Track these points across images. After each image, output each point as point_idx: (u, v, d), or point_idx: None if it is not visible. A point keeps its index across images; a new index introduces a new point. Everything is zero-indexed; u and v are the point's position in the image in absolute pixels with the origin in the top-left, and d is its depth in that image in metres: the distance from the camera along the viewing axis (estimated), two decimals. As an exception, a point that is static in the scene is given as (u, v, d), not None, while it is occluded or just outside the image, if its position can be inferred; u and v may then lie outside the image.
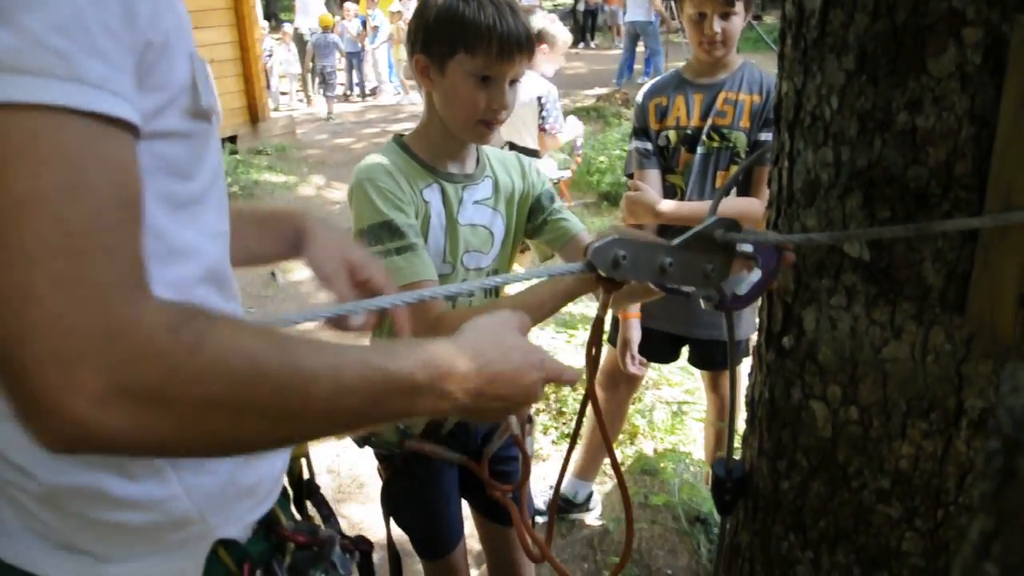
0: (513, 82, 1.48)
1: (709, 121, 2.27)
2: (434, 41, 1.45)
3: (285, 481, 1.02)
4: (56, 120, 0.55)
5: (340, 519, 1.14)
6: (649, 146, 2.38)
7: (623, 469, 3.10)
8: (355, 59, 13.46)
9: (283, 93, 13.13)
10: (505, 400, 0.84)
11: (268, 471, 0.93)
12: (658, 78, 2.53)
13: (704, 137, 2.28)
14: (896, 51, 0.94)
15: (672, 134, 2.33)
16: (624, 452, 3.21)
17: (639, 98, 2.45)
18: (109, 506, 0.78)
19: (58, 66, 0.55)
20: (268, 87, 11.84)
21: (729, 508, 1.33)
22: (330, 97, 12.15)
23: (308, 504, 1.11)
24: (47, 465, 0.76)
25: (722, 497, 1.32)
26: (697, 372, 3.11)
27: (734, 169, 2.26)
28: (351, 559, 1.01)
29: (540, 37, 3.95)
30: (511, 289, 1.65)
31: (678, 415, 3.41)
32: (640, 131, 2.41)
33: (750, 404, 1.32)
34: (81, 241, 0.54)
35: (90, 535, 0.79)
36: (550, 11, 15.59)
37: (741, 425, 1.44)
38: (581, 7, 18.74)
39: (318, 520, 1.09)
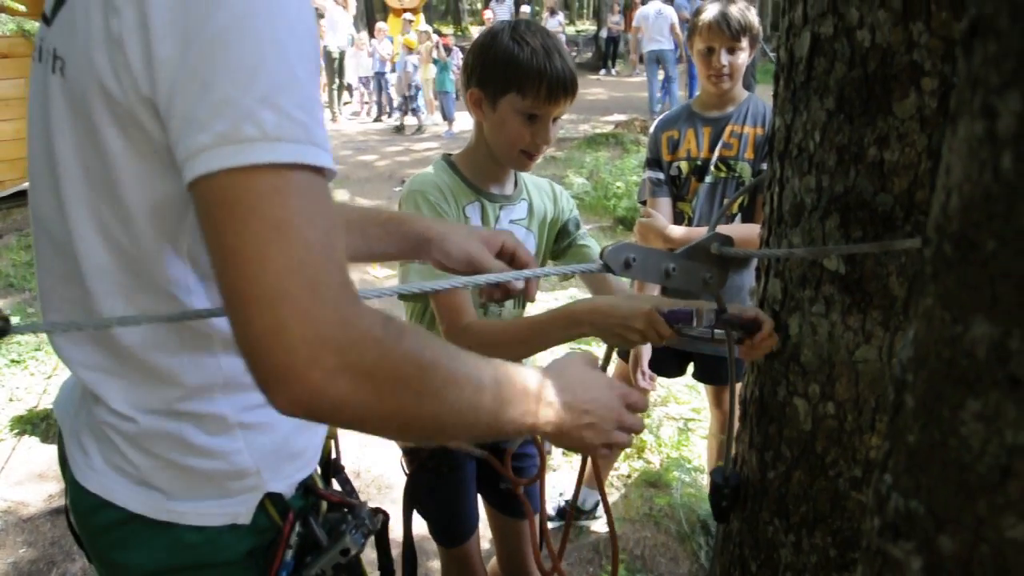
0: (556, 119, 1.64)
1: (717, 152, 2.44)
2: (489, 79, 1.61)
3: None
4: (297, 171, 0.72)
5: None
6: (661, 176, 2.55)
7: (630, 482, 3.25)
8: (382, 79, 13.66)
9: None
10: (594, 424, 0.99)
11: (313, 439, 1.08)
12: (669, 111, 2.70)
13: (712, 168, 2.45)
14: (868, 95, 1.10)
15: (684, 165, 2.51)
16: (631, 465, 3.34)
17: (652, 130, 2.64)
18: (187, 451, 0.94)
19: (302, 135, 0.73)
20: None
21: (725, 515, 1.46)
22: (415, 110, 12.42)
23: (333, 481, 1.24)
24: (145, 413, 0.93)
25: (719, 503, 1.45)
26: (703, 389, 3.25)
27: (740, 198, 2.43)
28: (377, 519, 1.14)
29: None
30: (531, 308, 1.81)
31: (684, 431, 3.54)
32: (653, 161, 2.58)
33: (743, 403, 1.47)
34: (319, 255, 0.71)
35: (166, 474, 0.94)
36: (572, 37, 15.86)
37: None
38: (604, 34, 19.04)
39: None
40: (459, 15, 28.65)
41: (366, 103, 14.52)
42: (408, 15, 13.76)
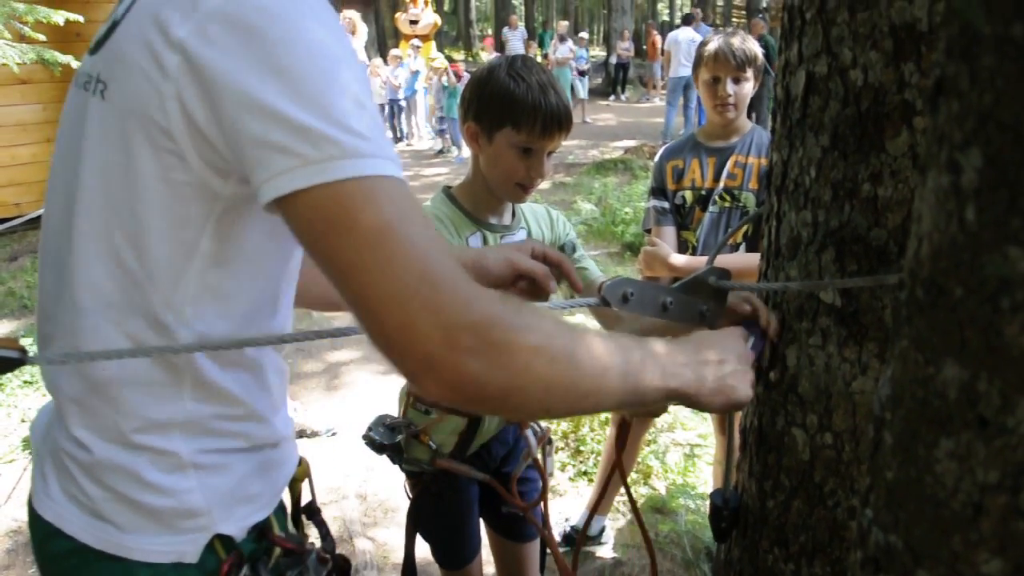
0: (550, 153, 1.68)
1: (721, 183, 2.47)
2: (485, 113, 1.66)
3: (287, 497, 1.19)
4: (383, 181, 0.78)
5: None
6: (666, 205, 2.58)
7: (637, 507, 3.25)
8: (395, 105, 13.71)
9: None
10: (736, 371, 1.05)
11: (272, 484, 1.10)
12: (674, 141, 2.74)
13: (716, 197, 2.48)
14: (861, 132, 1.13)
15: (688, 194, 2.54)
16: (637, 491, 3.34)
17: (656, 159, 2.67)
18: (139, 486, 0.95)
19: (376, 150, 0.79)
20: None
21: (725, 535, 1.47)
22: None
23: (305, 522, 1.27)
24: (101, 441, 0.95)
25: (718, 525, 1.47)
26: (709, 415, 3.26)
27: (744, 227, 2.46)
28: (324, 568, 1.13)
29: None
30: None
31: (690, 457, 3.54)
32: (658, 190, 2.62)
33: (743, 432, 1.49)
34: (425, 249, 0.76)
35: (118, 507, 0.95)
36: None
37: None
38: (613, 60, 19.19)
39: (315, 540, 1.23)
40: (470, 41, 28.94)
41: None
42: (416, 41, 13.87)
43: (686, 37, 12.28)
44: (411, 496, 1.91)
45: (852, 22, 1.12)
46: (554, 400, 0.86)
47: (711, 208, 2.49)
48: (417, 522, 1.90)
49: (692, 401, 1.01)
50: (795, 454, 1.32)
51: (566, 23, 18.75)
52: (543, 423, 2.46)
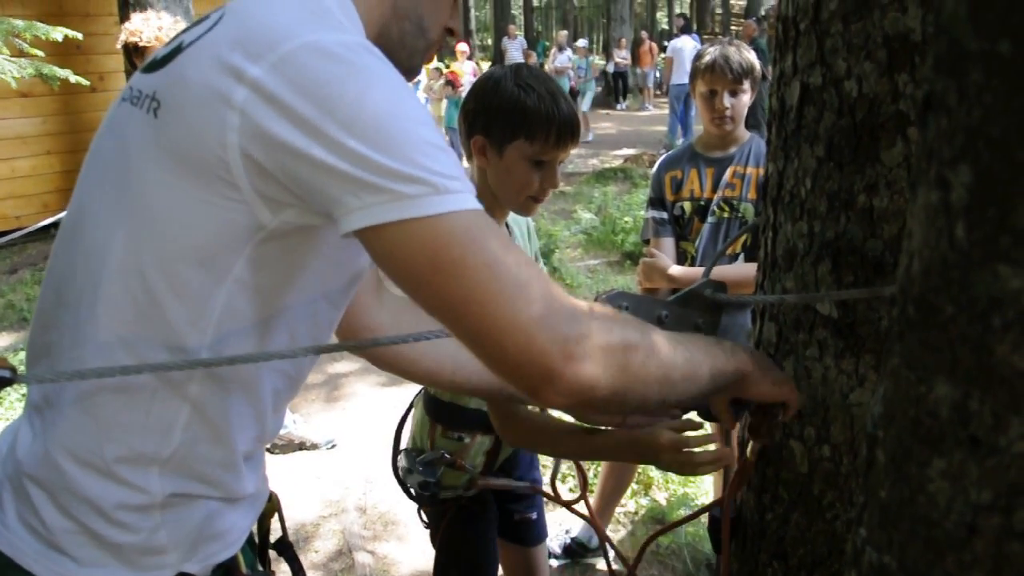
0: (561, 163, 1.65)
1: (719, 193, 2.47)
2: (495, 125, 1.58)
3: (255, 530, 1.17)
4: (473, 214, 0.83)
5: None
6: (665, 215, 2.58)
7: (636, 519, 3.24)
8: None
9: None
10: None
11: (240, 521, 1.08)
12: (672, 151, 2.73)
13: (715, 208, 2.47)
14: (856, 143, 1.13)
15: (687, 205, 2.53)
16: (638, 502, 3.32)
17: (655, 170, 2.67)
18: (103, 519, 0.93)
19: (462, 188, 0.83)
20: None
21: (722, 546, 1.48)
22: None
23: (272, 557, 1.25)
24: (75, 468, 0.93)
25: (717, 535, 1.47)
26: (709, 427, 3.25)
27: (743, 237, 2.45)
28: None
29: None
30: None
31: (691, 467, 3.53)
32: (656, 201, 2.61)
33: (741, 444, 1.48)
34: (527, 274, 0.82)
35: (78, 540, 0.93)
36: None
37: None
38: (611, 68, 19.23)
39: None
40: (470, 51, 29.00)
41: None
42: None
43: (689, 44, 12.33)
44: (428, 523, 1.91)
45: (846, 33, 1.12)
46: (652, 392, 0.93)
47: (710, 219, 2.49)
48: (449, 549, 1.88)
49: (747, 383, 1.09)
50: (793, 467, 1.31)
51: (565, 32, 18.80)
52: None
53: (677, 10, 32.39)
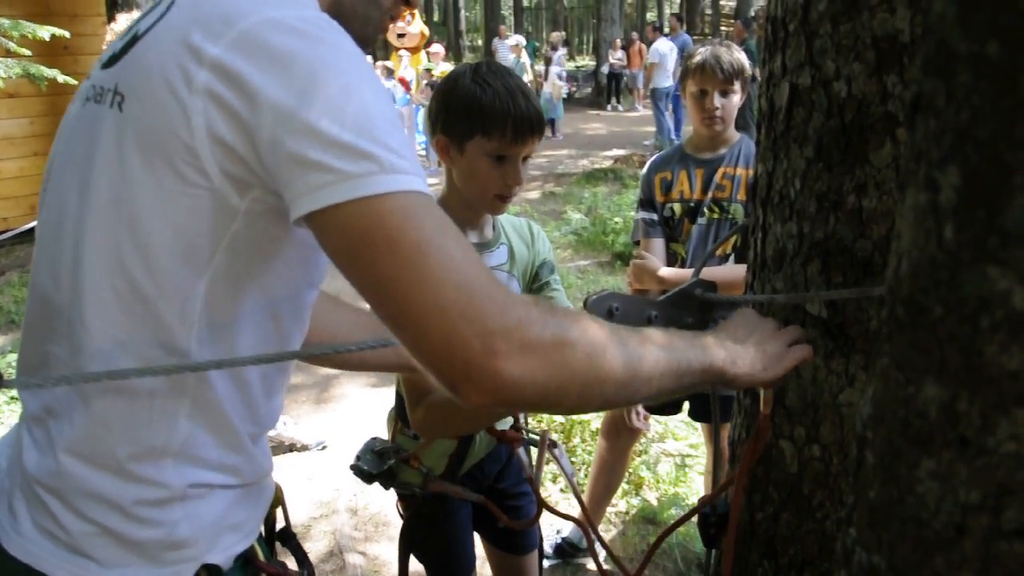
0: (525, 158, 1.62)
1: (710, 194, 2.47)
2: (454, 124, 1.59)
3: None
4: (416, 195, 0.80)
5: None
6: (655, 217, 2.57)
7: (628, 518, 3.24)
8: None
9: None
10: (762, 340, 1.10)
11: (255, 511, 1.08)
12: (662, 152, 2.73)
13: (705, 209, 2.48)
14: (845, 144, 1.13)
15: (677, 207, 2.53)
16: (629, 502, 3.32)
17: (644, 171, 2.66)
18: (124, 517, 0.92)
19: (409, 167, 0.81)
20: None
21: (714, 541, 1.47)
22: None
23: (279, 547, 1.25)
24: (86, 470, 0.92)
25: (707, 531, 1.46)
26: (699, 426, 3.26)
27: (733, 238, 2.46)
28: None
29: None
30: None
31: (682, 467, 3.53)
32: (646, 202, 2.61)
33: (731, 444, 1.48)
34: (461, 260, 0.79)
35: (99, 541, 0.92)
36: (572, 73, 16.12)
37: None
38: (605, 69, 19.25)
39: (292, 564, 1.23)
40: (460, 51, 29.01)
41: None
42: (404, 53, 13.87)
43: (668, 47, 12.45)
44: (404, 516, 1.89)
45: (835, 34, 1.12)
46: (594, 393, 0.87)
47: (700, 220, 2.49)
48: (410, 544, 1.88)
49: (728, 377, 1.03)
50: (783, 467, 1.31)
51: (557, 34, 18.81)
52: (534, 427, 2.46)
53: (667, 11, 32.48)
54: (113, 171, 0.88)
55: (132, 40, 0.92)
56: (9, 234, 5.54)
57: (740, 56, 2.46)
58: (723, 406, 2.64)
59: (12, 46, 4.80)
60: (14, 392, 4.21)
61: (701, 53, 2.45)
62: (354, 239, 0.79)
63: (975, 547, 0.50)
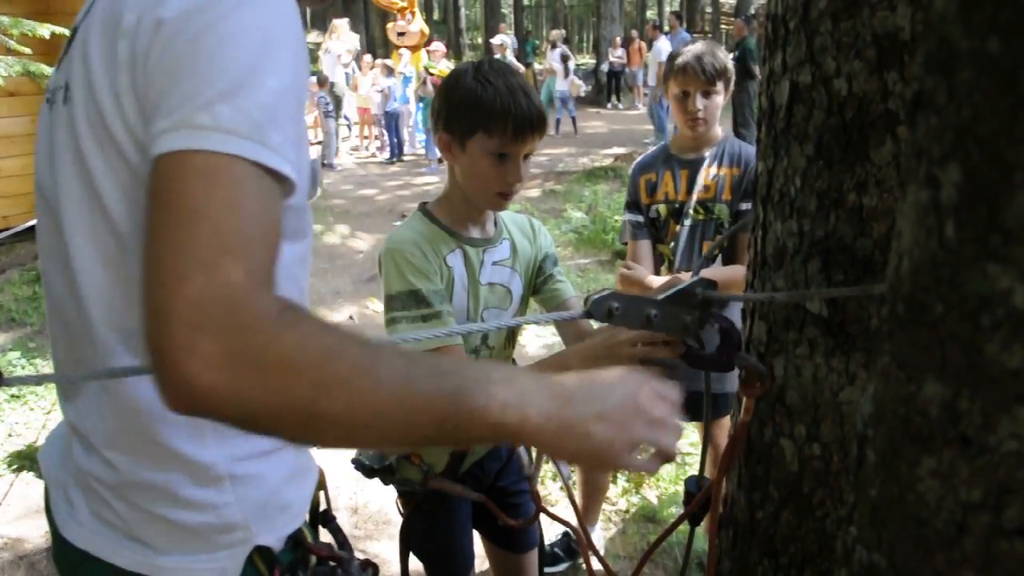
0: (527, 156, 1.63)
1: (695, 195, 2.46)
2: (455, 121, 1.60)
3: None
4: (239, 165, 0.74)
5: (360, 554, 1.30)
6: (641, 218, 2.57)
7: (628, 517, 3.24)
8: (393, 118, 13.35)
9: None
10: (608, 415, 0.83)
11: (303, 492, 1.08)
12: (647, 153, 2.70)
13: (690, 210, 2.47)
14: (846, 142, 1.13)
15: (662, 208, 2.52)
16: (629, 500, 3.32)
17: (630, 173, 2.65)
18: (174, 504, 0.93)
19: (254, 134, 0.75)
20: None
21: (698, 519, 1.47)
22: None
23: (322, 531, 1.23)
24: (129, 461, 0.93)
25: (692, 511, 1.47)
26: (699, 423, 3.25)
27: (719, 238, 2.46)
28: (366, 574, 1.14)
29: None
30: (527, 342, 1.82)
31: (681, 466, 3.53)
32: (632, 204, 2.60)
33: (732, 441, 1.48)
34: (228, 242, 0.70)
35: (153, 528, 0.93)
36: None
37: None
38: (604, 67, 19.23)
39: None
40: (460, 50, 29.00)
41: (366, 138, 14.54)
42: (404, 51, 13.86)
43: (667, 47, 12.56)
44: (403, 513, 1.89)
45: (835, 31, 1.12)
46: (319, 431, 0.75)
47: (685, 222, 2.48)
48: (409, 541, 1.88)
49: (529, 439, 0.84)
50: (783, 465, 1.31)
51: (557, 32, 18.80)
52: None
53: (667, 9, 32.45)
54: (77, 166, 0.88)
55: (74, 32, 0.92)
56: (9, 232, 5.54)
57: (722, 57, 2.45)
58: (715, 402, 2.65)
59: (12, 44, 4.80)
60: (14, 390, 4.21)
61: (683, 55, 2.44)
62: (154, 183, 0.74)
63: (976, 546, 0.50)
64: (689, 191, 2.48)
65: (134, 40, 0.80)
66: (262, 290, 0.71)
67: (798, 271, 1.22)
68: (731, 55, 14.41)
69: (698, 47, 2.46)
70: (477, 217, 1.74)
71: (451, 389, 0.77)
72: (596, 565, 2.93)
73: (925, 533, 0.52)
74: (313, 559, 1.08)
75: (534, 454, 1.92)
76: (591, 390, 0.84)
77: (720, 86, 2.42)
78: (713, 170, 2.46)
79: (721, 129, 2.56)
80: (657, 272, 2.56)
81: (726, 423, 2.73)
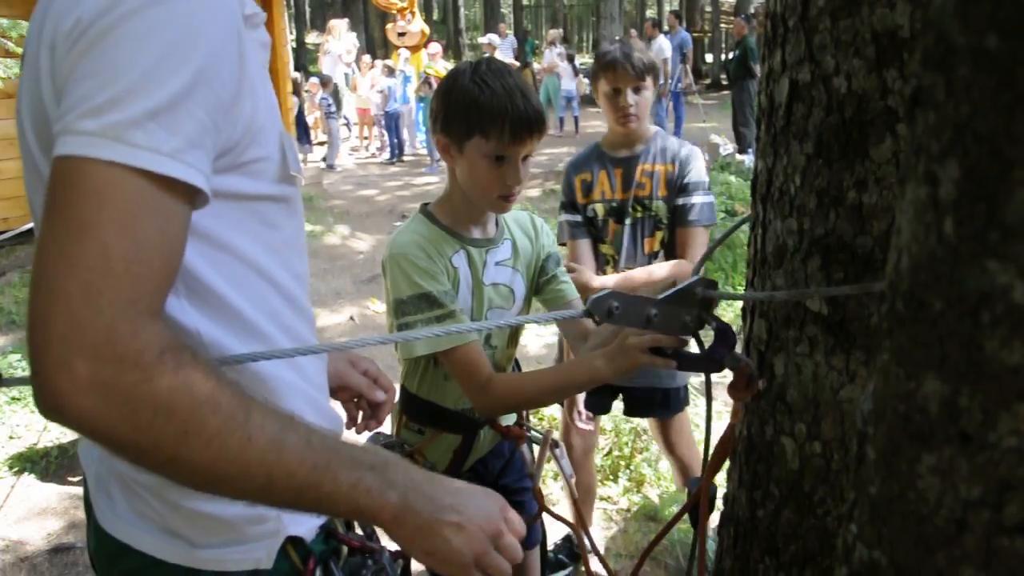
0: (526, 158, 1.61)
1: (631, 193, 2.46)
2: (453, 124, 1.59)
3: None
4: (129, 175, 0.71)
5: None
6: (578, 218, 2.56)
7: (629, 516, 3.24)
8: (393, 119, 13.29)
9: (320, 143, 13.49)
10: (462, 526, 0.87)
11: None
12: (579, 153, 2.68)
13: (629, 208, 2.47)
14: (845, 140, 1.13)
15: (599, 207, 2.51)
16: (630, 499, 3.32)
17: (564, 173, 2.64)
18: (208, 497, 0.90)
19: (142, 139, 0.72)
20: (308, 139, 12.18)
21: (698, 520, 1.47)
22: None
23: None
24: None
25: (695, 511, 1.47)
26: (702, 423, 3.25)
27: (659, 234, 2.48)
28: (397, 566, 1.15)
29: None
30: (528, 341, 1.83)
31: (684, 465, 3.54)
32: (568, 204, 2.59)
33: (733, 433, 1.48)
34: (115, 265, 0.69)
35: (187, 523, 0.95)
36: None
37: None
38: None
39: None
40: (459, 50, 28.99)
41: (366, 138, 14.54)
42: (404, 51, 13.86)
43: (666, 44, 12.64)
44: None
45: (834, 29, 1.12)
46: (179, 474, 0.76)
47: (627, 220, 2.48)
48: None
49: (388, 529, 0.87)
50: (784, 463, 1.31)
51: (555, 31, 18.80)
52: (539, 423, 2.46)
53: (667, 8, 32.45)
54: (40, 181, 0.86)
55: (24, 53, 0.91)
56: (9, 234, 5.54)
57: (649, 53, 2.47)
58: (664, 399, 2.65)
59: (11, 46, 4.80)
60: (15, 392, 4.22)
61: (611, 52, 2.44)
62: (48, 187, 0.72)
63: (976, 543, 0.50)
64: (625, 189, 2.48)
65: (52, 48, 0.78)
66: (146, 322, 0.71)
67: (798, 269, 1.22)
68: (731, 54, 14.42)
69: (624, 45, 2.47)
70: (479, 218, 1.73)
71: (319, 464, 0.80)
72: (596, 566, 2.94)
73: (925, 530, 0.52)
74: (345, 550, 1.09)
75: (536, 453, 1.92)
76: (457, 498, 0.89)
77: (649, 81, 2.43)
78: (648, 167, 2.46)
79: (651, 126, 2.57)
80: (602, 272, 2.56)
81: (684, 419, 2.75)
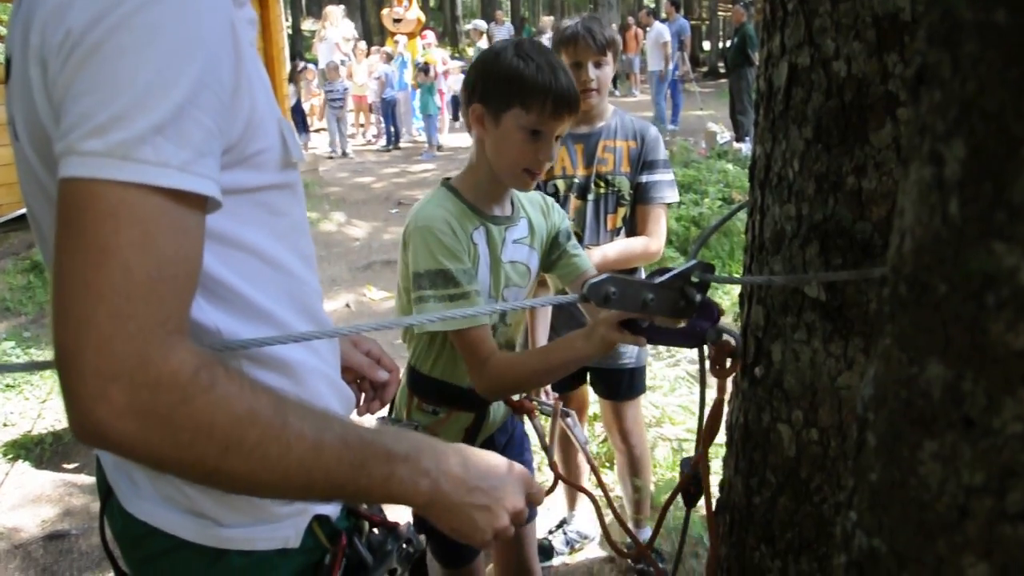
0: (558, 137, 1.63)
1: (593, 169, 2.44)
2: (492, 94, 1.60)
3: None
4: (142, 194, 0.70)
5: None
6: None
7: (621, 505, 3.23)
8: (390, 105, 13.16)
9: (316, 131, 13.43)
10: (488, 507, 0.94)
11: None
12: None
13: (592, 185, 2.45)
14: (845, 125, 1.11)
15: (560, 183, 2.49)
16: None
17: None
18: None
19: (151, 155, 0.70)
20: (305, 128, 12.14)
21: (693, 501, 1.47)
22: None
23: None
24: None
25: (687, 490, 1.46)
26: (695, 409, 3.25)
27: (621, 211, 2.47)
28: (420, 541, 1.15)
29: None
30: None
31: (678, 452, 3.54)
32: None
33: (729, 428, 1.47)
34: (140, 288, 0.69)
35: (214, 503, 0.95)
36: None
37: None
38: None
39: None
40: (456, 37, 28.85)
41: (362, 125, 14.48)
42: (401, 38, 13.80)
43: (655, 30, 12.66)
44: None
45: (834, 12, 1.10)
46: (223, 485, 0.79)
47: (589, 196, 2.46)
48: (420, 520, 1.88)
49: (420, 511, 0.92)
50: (781, 450, 1.30)
51: (548, 18, 18.72)
52: (549, 395, 2.46)
53: (664, -5, 32.28)
54: (48, 204, 0.84)
55: (8, 61, 0.87)
56: (2, 219, 5.51)
57: (611, 29, 2.45)
58: (631, 380, 2.64)
59: (4, 31, 4.76)
60: (9, 379, 4.20)
61: (572, 27, 2.42)
62: (60, 212, 0.71)
63: (978, 530, 0.49)
64: (587, 165, 2.46)
65: (43, 63, 0.76)
66: (176, 342, 0.71)
67: (796, 255, 1.21)
68: (730, 41, 14.35)
69: (586, 20, 2.45)
70: (499, 194, 1.73)
71: (355, 462, 0.83)
72: (591, 548, 2.94)
73: (927, 517, 0.51)
74: (366, 525, 1.10)
75: (547, 427, 1.92)
76: (486, 481, 0.95)
77: (610, 56, 2.41)
78: (609, 143, 2.45)
79: (610, 105, 2.55)
80: None
81: (639, 406, 2.78)
